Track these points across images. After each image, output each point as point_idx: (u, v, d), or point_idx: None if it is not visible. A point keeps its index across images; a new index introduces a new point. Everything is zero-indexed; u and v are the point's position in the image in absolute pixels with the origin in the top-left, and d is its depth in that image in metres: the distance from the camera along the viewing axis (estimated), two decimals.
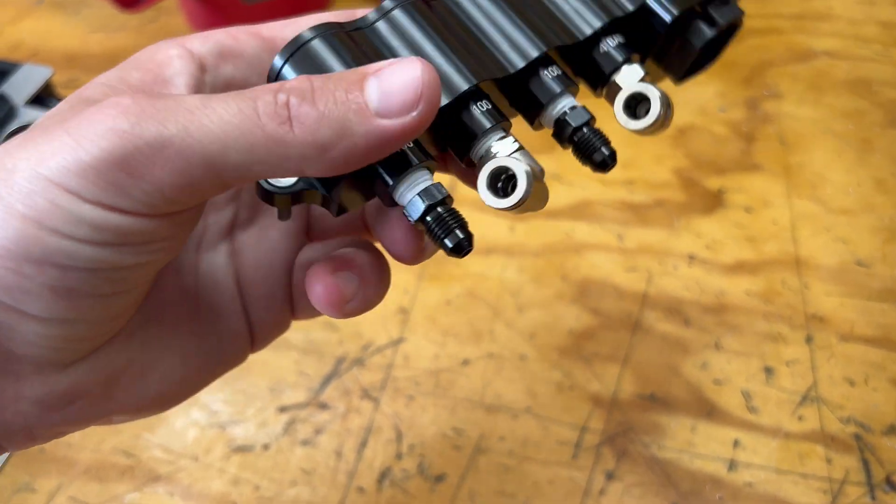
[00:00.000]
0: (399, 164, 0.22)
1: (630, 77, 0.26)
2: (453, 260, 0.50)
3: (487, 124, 0.23)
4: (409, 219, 0.22)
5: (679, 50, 0.29)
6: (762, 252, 0.51)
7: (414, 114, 0.20)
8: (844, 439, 0.42)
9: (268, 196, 0.23)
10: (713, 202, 0.54)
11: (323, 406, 0.45)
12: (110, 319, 0.22)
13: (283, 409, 0.45)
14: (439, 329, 0.48)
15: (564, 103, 0.25)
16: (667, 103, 0.25)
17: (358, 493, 0.41)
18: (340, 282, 0.25)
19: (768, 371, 0.45)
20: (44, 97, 0.53)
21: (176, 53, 0.24)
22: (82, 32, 0.69)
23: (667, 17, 0.26)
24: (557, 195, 0.54)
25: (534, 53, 0.24)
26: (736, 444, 0.42)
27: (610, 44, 0.26)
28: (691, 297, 0.49)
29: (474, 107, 0.23)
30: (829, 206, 0.54)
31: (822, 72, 0.63)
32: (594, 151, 0.24)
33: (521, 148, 0.24)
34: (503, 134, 0.24)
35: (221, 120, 0.19)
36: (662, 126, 0.25)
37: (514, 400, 0.45)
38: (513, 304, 0.49)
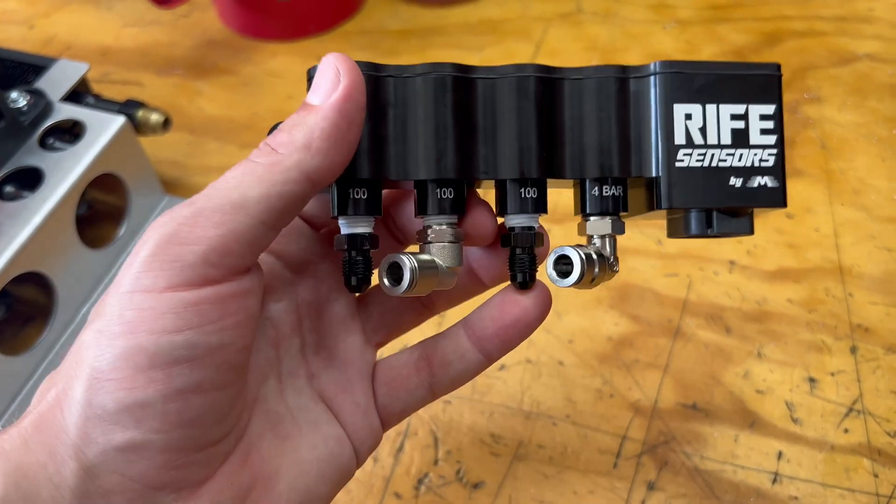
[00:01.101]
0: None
1: (596, 229, 0.27)
2: None
3: (431, 211, 0.27)
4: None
5: (673, 220, 0.29)
6: (804, 259, 0.50)
7: (343, 83, 0.24)
8: (892, 453, 0.41)
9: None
10: None
11: None
12: (219, 420, 0.24)
13: None
14: None
15: (519, 220, 0.27)
16: (592, 266, 0.26)
17: (395, 498, 0.41)
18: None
19: (812, 382, 0.44)
20: (79, 92, 0.53)
21: None
22: (115, 27, 0.69)
23: (664, 205, 0.27)
24: None
25: (514, 175, 0.27)
26: (780, 456, 0.42)
27: (603, 191, 0.27)
28: (732, 305, 0.48)
29: (436, 190, 0.27)
30: (873, 213, 0.52)
31: (864, 75, 0.62)
32: (515, 273, 0.28)
33: (452, 241, 0.27)
34: (446, 220, 0.27)
35: (232, 177, 0.23)
36: (591, 284, 0.27)
37: (552, 407, 0.44)
38: (551, 309, 0.48)
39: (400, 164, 0.26)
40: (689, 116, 0.27)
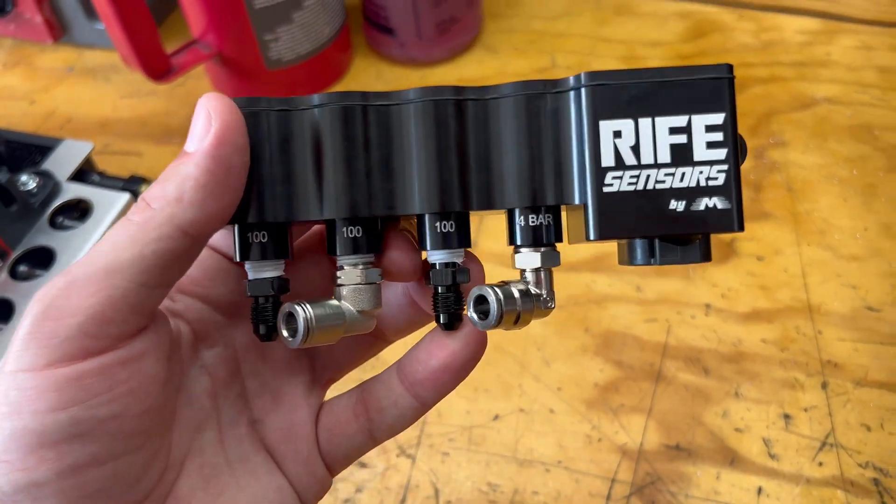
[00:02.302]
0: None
1: (526, 262, 0.25)
2: None
3: (341, 251, 0.25)
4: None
5: (622, 246, 0.26)
6: (775, 300, 0.53)
7: (214, 126, 0.22)
8: (864, 484, 0.44)
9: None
10: (726, 251, 0.56)
11: (362, 465, 0.47)
12: (131, 486, 0.23)
13: None
14: (469, 384, 0.50)
15: (439, 256, 0.25)
16: (513, 306, 0.24)
17: None
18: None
19: (787, 418, 0.47)
20: (85, 171, 0.56)
21: None
22: (113, 98, 0.72)
23: (592, 236, 0.24)
24: (576, 249, 0.57)
25: (422, 210, 0.24)
26: (759, 491, 0.44)
27: (530, 220, 0.24)
28: (710, 347, 0.51)
29: (344, 229, 0.24)
30: (837, 252, 0.56)
31: (824, 118, 0.66)
32: (438, 314, 0.25)
33: (364, 283, 0.25)
34: (361, 259, 0.25)
35: (108, 240, 0.22)
36: (516, 325, 0.24)
37: (545, 454, 0.47)
38: (539, 358, 0.51)
39: (291, 204, 0.24)
40: (618, 134, 0.23)
